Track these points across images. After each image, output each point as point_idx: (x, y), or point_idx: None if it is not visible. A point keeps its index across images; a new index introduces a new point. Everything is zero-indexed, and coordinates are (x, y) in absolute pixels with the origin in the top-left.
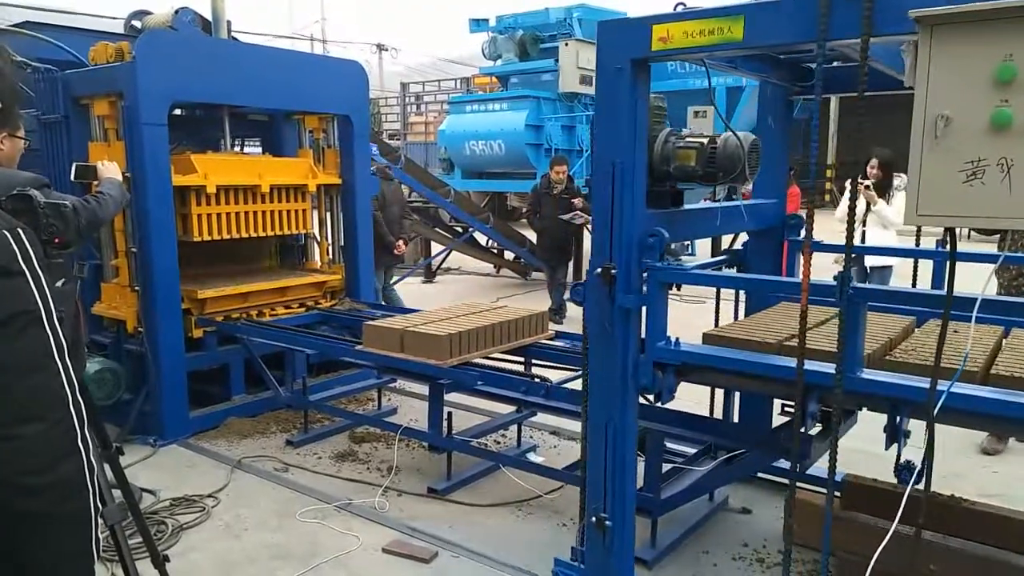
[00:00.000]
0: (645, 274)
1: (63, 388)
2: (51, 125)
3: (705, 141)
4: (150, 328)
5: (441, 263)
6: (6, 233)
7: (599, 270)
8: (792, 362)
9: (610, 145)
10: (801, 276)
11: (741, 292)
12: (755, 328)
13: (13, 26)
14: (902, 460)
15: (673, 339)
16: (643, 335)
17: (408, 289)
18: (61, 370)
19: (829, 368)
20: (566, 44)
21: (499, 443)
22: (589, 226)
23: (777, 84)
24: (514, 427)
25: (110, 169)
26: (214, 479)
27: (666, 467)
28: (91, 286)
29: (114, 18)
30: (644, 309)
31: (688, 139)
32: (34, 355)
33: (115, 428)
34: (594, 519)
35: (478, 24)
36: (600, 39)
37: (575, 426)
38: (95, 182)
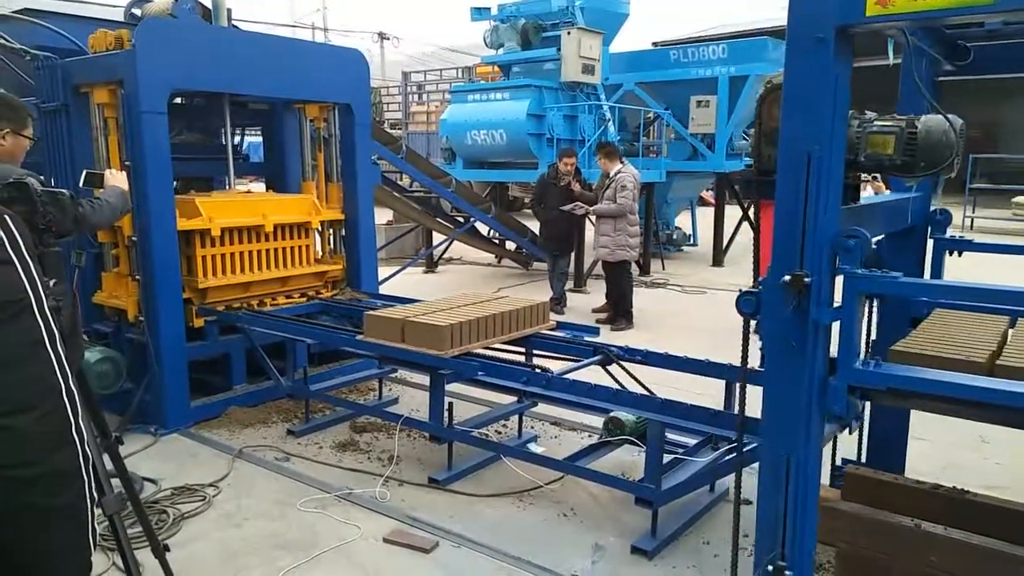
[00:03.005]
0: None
1: (55, 377)
2: (51, 113)
3: (904, 124)
4: (151, 317)
5: (443, 253)
6: None
7: (787, 278)
8: None
9: (804, 131)
10: None
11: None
12: (941, 343)
13: (13, 12)
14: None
15: (871, 359)
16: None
17: (409, 279)
18: (53, 359)
19: None
20: (568, 33)
21: (500, 433)
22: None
23: (932, 61)
24: (515, 417)
25: (117, 178)
26: (215, 468)
27: (667, 458)
28: (91, 275)
29: (114, 6)
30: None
31: (881, 122)
32: (25, 344)
33: (116, 417)
34: (771, 568)
35: (480, 12)
36: (795, 2)
37: (576, 416)
38: (101, 189)
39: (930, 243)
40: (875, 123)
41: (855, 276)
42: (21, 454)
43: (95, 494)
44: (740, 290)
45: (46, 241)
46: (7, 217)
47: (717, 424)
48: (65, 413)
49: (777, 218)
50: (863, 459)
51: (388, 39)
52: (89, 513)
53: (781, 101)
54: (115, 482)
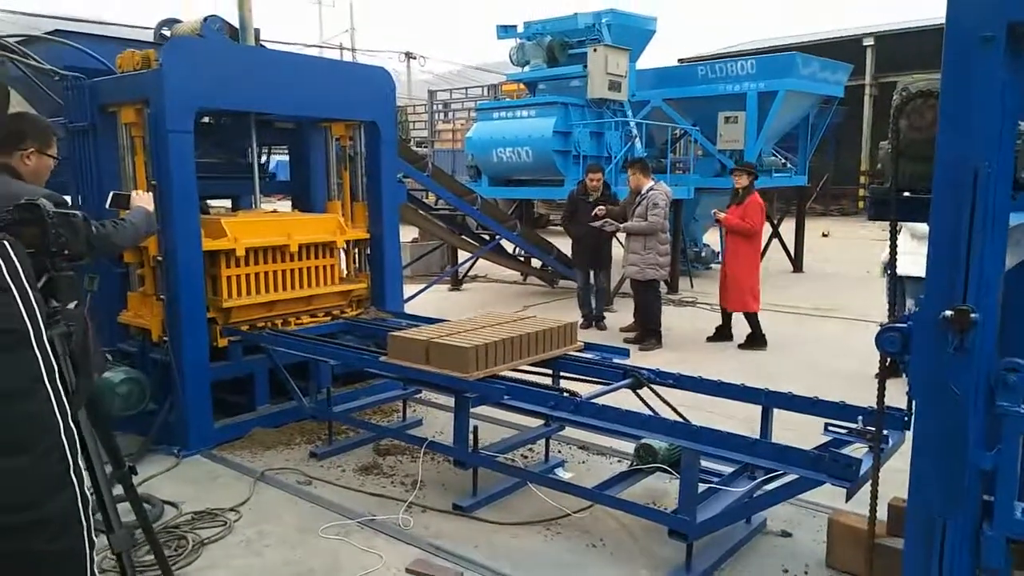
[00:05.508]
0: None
1: (54, 415)
2: (79, 133)
3: None
4: (175, 337)
5: (468, 271)
6: None
7: (949, 314)
8: None
9: (967, 143)
10: None
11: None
12: None
13: (45, 34)
14: None
15: None
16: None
17: (434, 297)
18: (52, 395)
19: None
20: (595, 50)
21: (526, 458)
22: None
23: None
24: (541, 441)
25: (142, 199)
26: (237, 492)
27: (701, 487)
28: (117, 295)
29: (145, 27)
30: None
31: None
32: (21, 379)
33: (138, 438)
34: None
35: (506, 31)
36: None
37: (604, 441)
38: (127, 210)
39: None
40: None
41: (1018, 416)
42: (19, 496)
43: (95, 537)
44: (881, 325)
45: (58, 265)
46: (7, 243)
47: (755, 453)
48: (63, 452)
49: (932, 244)
50: None
51: (415, 58)
52: (88, 557)
53: (933, 110)
54: (125, 507)
